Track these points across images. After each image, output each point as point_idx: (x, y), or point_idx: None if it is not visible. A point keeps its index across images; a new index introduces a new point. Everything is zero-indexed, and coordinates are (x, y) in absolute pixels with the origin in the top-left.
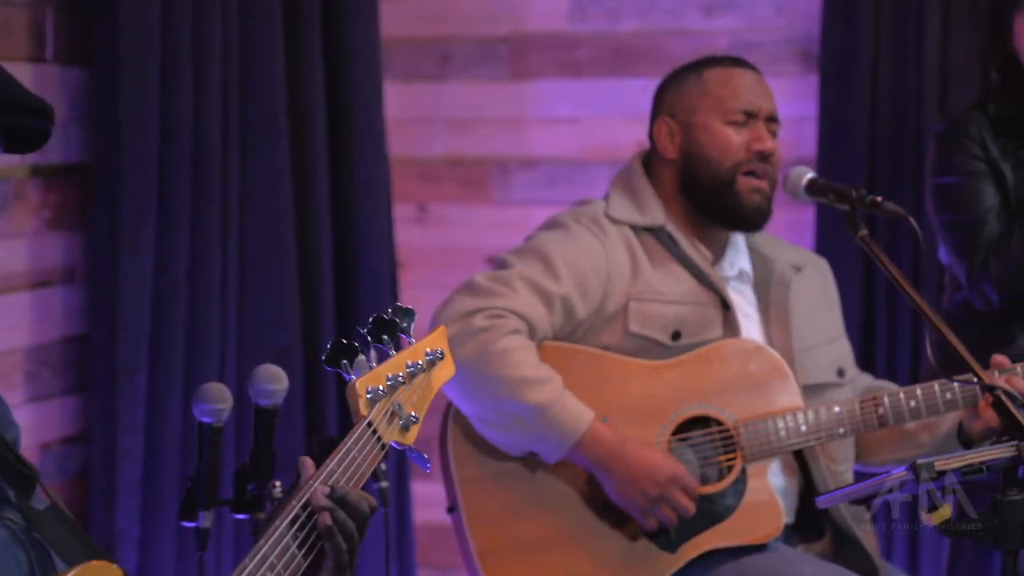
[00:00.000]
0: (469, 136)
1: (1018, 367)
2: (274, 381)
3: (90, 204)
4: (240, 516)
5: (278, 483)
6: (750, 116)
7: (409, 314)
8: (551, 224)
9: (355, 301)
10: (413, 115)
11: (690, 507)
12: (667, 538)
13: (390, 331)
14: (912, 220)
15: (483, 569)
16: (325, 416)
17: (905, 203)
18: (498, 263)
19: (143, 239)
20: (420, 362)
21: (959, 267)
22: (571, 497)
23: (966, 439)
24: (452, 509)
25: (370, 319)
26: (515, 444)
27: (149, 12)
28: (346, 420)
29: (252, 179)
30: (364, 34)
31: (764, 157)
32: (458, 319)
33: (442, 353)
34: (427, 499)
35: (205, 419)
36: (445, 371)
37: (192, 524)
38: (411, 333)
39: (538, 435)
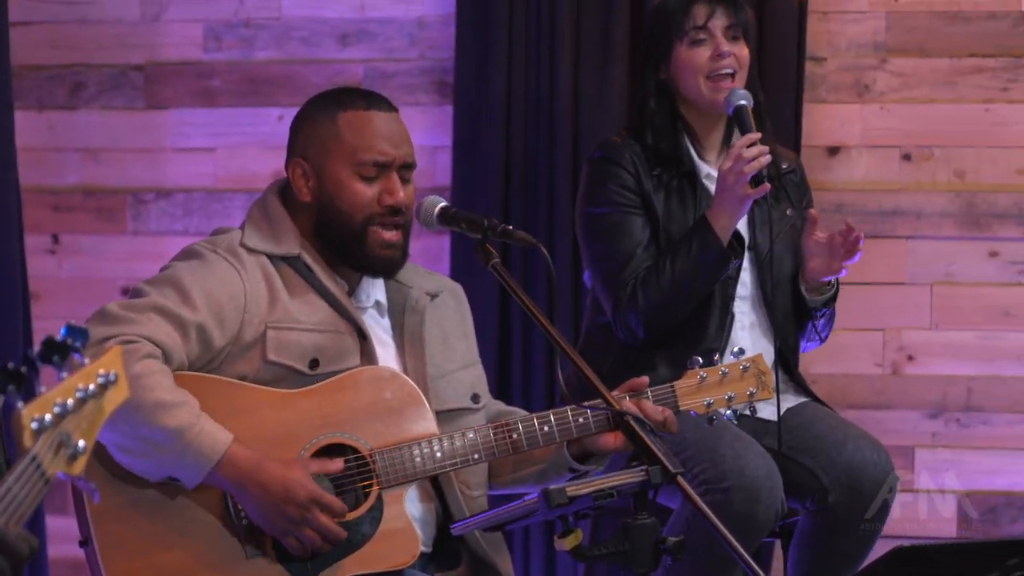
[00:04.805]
0: (103, 166)
1: (649, 392)
2: None
3: None
4: None
5: None
6: (383, 167)
7: (83, 334)
8: (187, 254)
9: None
10: (45, 144)
11: (333, 528)
12: (303, 566)
13: (61, 352)
14: (543, 249)
15: None
16: None
17: (539, 231)
18: (133, 292)
19: None
20: (92, 386)
21: (605, 299)
22: (211, 524)
23: (580, 451)
24: (85, 543)
25: (42, 340)
26: (154, 471)
27: None
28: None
29: None
30: None
31: (396, 211)
32: (90, 348)
33: (115, 376)
34: (61, 533)
35: None
36: (118, 394)
37: None
38: (85, 353)
39: (176, 460)
